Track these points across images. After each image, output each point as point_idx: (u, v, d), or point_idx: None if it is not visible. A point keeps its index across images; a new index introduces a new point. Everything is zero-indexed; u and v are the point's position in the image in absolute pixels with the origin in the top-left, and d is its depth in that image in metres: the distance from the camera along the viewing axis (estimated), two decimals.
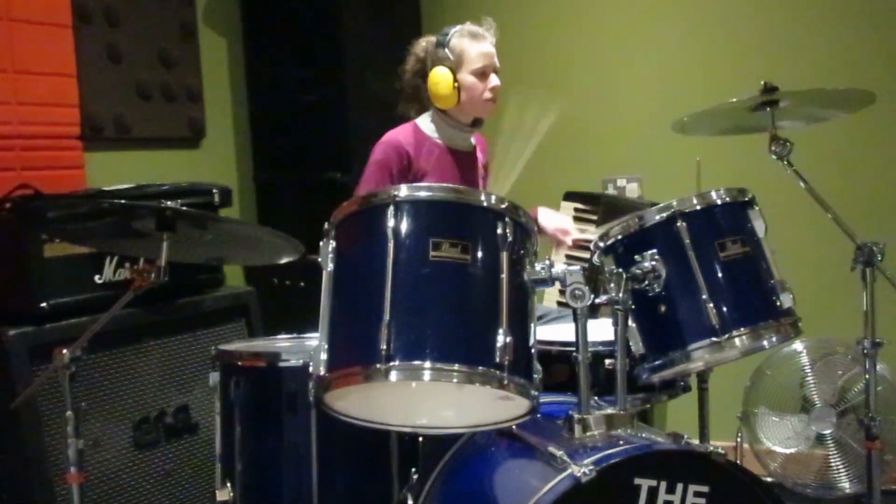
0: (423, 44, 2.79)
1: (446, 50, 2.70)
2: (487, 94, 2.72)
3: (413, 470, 2.13)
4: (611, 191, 3.56)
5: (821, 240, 2.84)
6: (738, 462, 2.63)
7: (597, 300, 1.93)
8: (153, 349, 2.81)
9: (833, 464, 3.08)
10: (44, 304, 2.54)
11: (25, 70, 3.00)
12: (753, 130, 2.46)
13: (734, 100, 2.32)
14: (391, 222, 1.76)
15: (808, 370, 3.11)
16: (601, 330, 2.08)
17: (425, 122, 2.79)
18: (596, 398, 1.97)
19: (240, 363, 2.19)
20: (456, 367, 1.69)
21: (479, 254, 1.76)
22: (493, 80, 2.73)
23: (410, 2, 4.02)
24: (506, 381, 1.70)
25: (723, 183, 2.10)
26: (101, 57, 3.31)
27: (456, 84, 2.68)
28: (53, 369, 2.00)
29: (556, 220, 3.01)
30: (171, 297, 2.86)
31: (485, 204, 1.81)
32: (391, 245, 1.74)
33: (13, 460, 2.50)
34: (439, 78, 2.68)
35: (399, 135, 2.73)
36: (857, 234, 2.28)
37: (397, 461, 2.12)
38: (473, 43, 2.71)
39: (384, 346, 1.68)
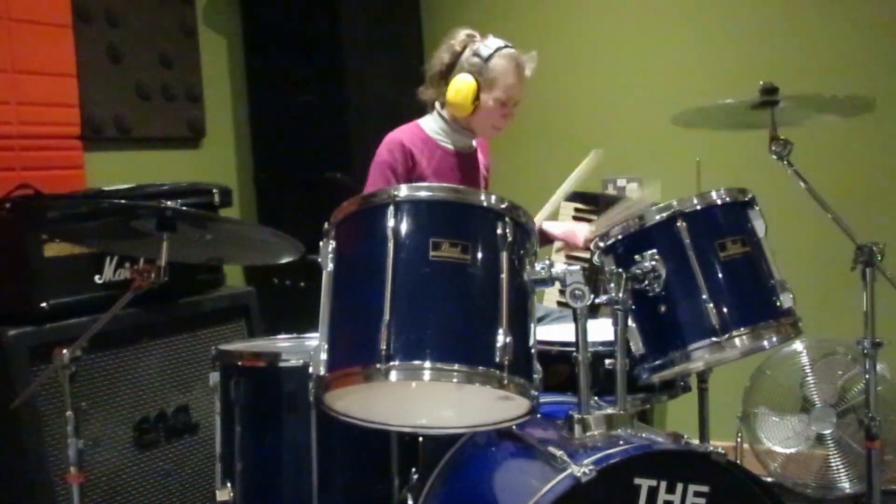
0: (463, 37, 2.68)
1: (487, 65, 2.60)
2: (499, 123, 2.69)
3: (413, 470, 2.13)
4: (611, 191, 3.56)
5: (821, 240, 2.83)
6: (738, 462, 2.63)
7: (597, 300, 1.93)
8: (153, 349, 2.80)
9: (833, 464, 3.07)
10: (44, 304, 2.54)
11: (25, 70, 3.00)
12: (754, 127, 2.46)
13: (733, 100, 2.32)
14: (391, 222, 1.76)
15: (808, 370, 3.10)
16: (601, 330, 2.08)
17: (428, 123, 2.78)
18: (596, 398, 1.97)
19: (240, 363, 2.19)
20: (456, 367, 1.69)
21: (479, 254, 1.76)
22: (511, 113, 2.68)
23: (410, 2, 4.02)
24: (506, 381, 1.70)
25: (723, 183, 2.10)
26: (101, 57, 3.31)
27: (476, 102, 2.62)
28: (53, 369, 2.00)
29: (561, 224, 3.00)
30: (171, 297, 2.86)
31: (485, 204, 1.81)
32: (391, 245, 1.74)
33: (13, 460, 2.50)
34: (462, 87, 2.60)
35: (401, 135, 2.72)
36: (857, 234, 2.27)
37: (397, 461, 2.12)
38: (513, 73, 2.63)
39: (384, 346, 1.68)
